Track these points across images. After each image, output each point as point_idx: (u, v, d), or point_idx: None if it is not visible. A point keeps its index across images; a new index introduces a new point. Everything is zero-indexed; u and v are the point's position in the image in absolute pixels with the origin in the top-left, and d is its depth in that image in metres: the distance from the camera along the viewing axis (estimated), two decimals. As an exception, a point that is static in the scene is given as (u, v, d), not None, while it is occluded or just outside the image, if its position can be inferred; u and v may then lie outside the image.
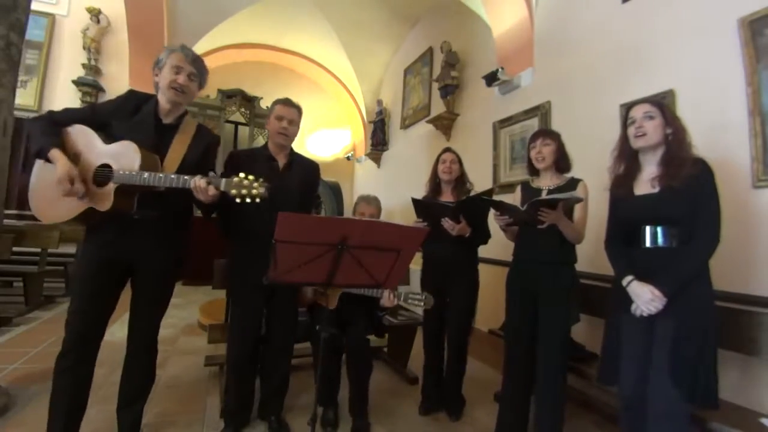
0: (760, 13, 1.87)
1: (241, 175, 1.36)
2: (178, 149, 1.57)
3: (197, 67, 1.61)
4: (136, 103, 1.59)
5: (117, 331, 1.67)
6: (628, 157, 1.54)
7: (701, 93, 2.09)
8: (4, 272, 3.80)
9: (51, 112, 1.52)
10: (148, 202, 1.49)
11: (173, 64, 1.56)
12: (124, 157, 1.42)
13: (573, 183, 1.82)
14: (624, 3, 2.61)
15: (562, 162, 1.86)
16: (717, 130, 1.46)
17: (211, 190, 1.38)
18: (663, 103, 1.48)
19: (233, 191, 1.35)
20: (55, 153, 1.38)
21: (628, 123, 1.51)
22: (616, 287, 1.48)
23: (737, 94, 1.93)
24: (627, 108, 1.55)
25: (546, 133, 1.90)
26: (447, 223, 2.04)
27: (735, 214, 1.31)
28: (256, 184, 1.35)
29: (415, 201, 2.12)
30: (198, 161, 1.60)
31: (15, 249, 3.63)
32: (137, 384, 1.66)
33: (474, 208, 2.06)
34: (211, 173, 1.42)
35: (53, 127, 1.46)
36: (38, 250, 3.92)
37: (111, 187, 1.40)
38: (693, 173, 1.35)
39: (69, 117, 1.51)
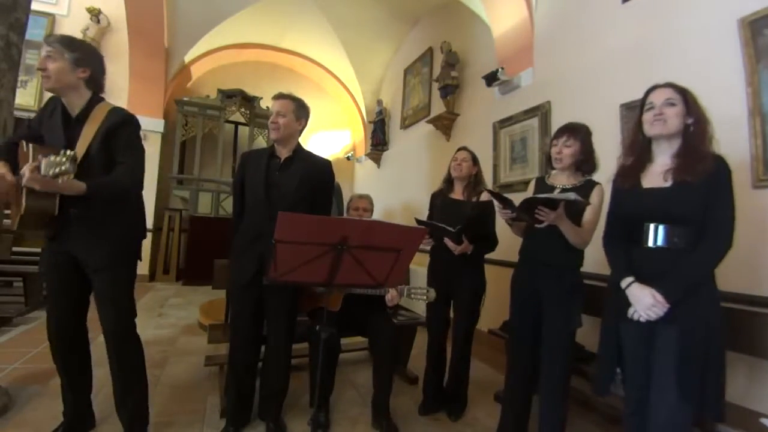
0: (760, 13, 1.86)
1: (61, 153, 1.27)
2: (85, 139, 1.50)
3: (54, 45, 1.50)
4: (54, 105, 1.60)
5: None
6: (639, 147, 1.40)
7: (701, 93, 2.06)
8: (4, 272, 3.80)
9: (11, 136, 1.63)
10: (72, 198, 1.46)
11: None
12: (26, 160, 1.42)
13: (589, 185, 1.73)
14: (624, 3, 2.61)
15: (584, 164, 1.75)
16: (717, 130, 1.46)
17: (27, 177, 1.26)
18: (686, 90, 1.33)
19: (50, 172, 1.25)
20: None
21: (645, 108, 1.37)
22: (614, 289, 1.39)
23: (737, 94, 1.93)
24: (646, 92, 1.38)
25: (571, 131, 1.76)
26: (449, 244, 2.08)
27: (735, 215, 1.29)
28: (63, 159, 1.24)
29: (418, 222, 2.12)
30: (100, 151, 1.51)
31: (15, 249, 3.63)
32: (119, 386, 1.64)
33: (478, 225, 2.06)
34: (42, 159, 1.27)
35: (7, 146, 1.58)
36: (38, 250, 3.91)
37: (24, 190, 1.40)
38: (709, 170, 1.23)
39: (18, 135, 1.60)
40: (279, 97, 1.89)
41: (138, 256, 1.71)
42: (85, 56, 1.54)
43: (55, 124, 1.54)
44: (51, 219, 1.49)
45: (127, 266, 1.66)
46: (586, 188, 1.71)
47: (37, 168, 1.27)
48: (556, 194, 1.68)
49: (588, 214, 1.69)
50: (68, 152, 1.25)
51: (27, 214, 1.41)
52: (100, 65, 1.60)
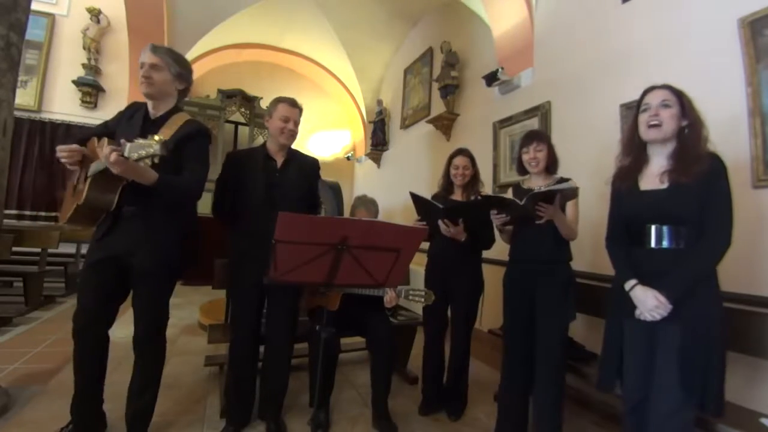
0: (760, 13, 1.86)
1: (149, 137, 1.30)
2: None
3: (164, 58, 1.62)
4: (135, 108, 1.71)
5: (118, 331, 1.67)
6: (636, 148, 1.42)
7: (701, 93, 2.07)
8: (4, 272, 3.81)
9: (83, 134, 1.70)
10: (132, 196, 1.53)
11: (140, 60, 1.63)
12: (101, 151, 1.47)
13: (562, 182, 1.79)
14: (624, 3, 2.60)
15: (552, 165, 1.90)
16: (717, 130, 1.47)
17: (113, 157, 1.28)
18: (682, 92, 1.35)
19: (134, 155, 1.27)
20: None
21: (641, 109, 1.38)
22: (616, 289, 1.41)
23: (737, 94, 1.93)
24: (642, 93, 1.40)
25: (539, 137, 1.90)
26: (442, 224, 2.06)
27: (735, 215, 1.29)
28: (152, 142, 1.27)
29: (413, 195, 2.10)
30: (174, 152, 1.55)
31: (15, 249, 3.63)
32: (135, 384, 1.68)
33: (468, 213, 2.06)
34: (126, 142, 1.30)
35: (77, 142, 1.65)
36: (38, 250, 3.92)
37: (88, 181, 1.47)
38: (705, 169, 1.24)
39: (88, 133, 1.67)
40: (295, 105, 1.98)
41: (184, 268, 1.74)
42: (186, 72, 1.69)
43: (135, 125, 1.63)
44: (103, 216, 1.55)
45: (171, 275, 1.70)
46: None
47: (112, 150, 1.30)
48: (555, 186, 1.71)
49: (570, 208, 1.80)
50: (156, 137, 1.28)
51: (84, 205, 1.46)
52: (191, 82, 1.75)
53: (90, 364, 1.62)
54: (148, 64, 1.60)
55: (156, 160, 1.30)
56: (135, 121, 1.65)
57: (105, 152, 1.31)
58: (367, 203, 2.29)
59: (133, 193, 1.53)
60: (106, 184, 1.48)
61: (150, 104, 1.67)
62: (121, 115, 1.73)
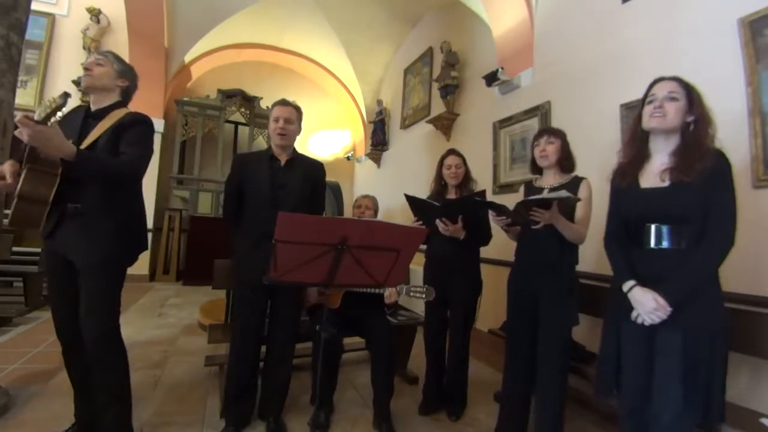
0: (760, 13, 1.86)
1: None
2: (96, 132, 1.54)
3: (107, 55, 1.68)
4: (80, 110, 1.70)
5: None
6: (638, 143, 1.36)
7: (701, 93, 2.09)
8: (4, 272, 3.79)
9: None
10: (74, 193, 1.49)
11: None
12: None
13: (576, 181, 1.77)
14: (624, 3, 2.61)
15: (566, 162, 1.83)
16: (717, 130, 1.47)
17: (19, 118, 1.27)
18: (692, 86, 1.29)
19: (42, 115, 1.31)
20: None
21: (646, 100, 1.33)
22: (615, 290, 1.36)
23: (737, 94, 1.93)
24: (650, 83, 1.34)
25: (551, 131, 1.87)
26: (440, 224, 2.06)
27: (736, 211, 1.26)
28: (55, 97, 1.33)
29: (408, 197, 2.11)
30: (107, 143, 1.53)
31: (15, 249, 3.63)
32: (99, 398, 1.57)
33: (466, 209, 2.07)
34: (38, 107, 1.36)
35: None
36: (38, 250, 3.91)
37: (23, 173, 1.43)
38: (708, 166, 1.19)
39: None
40: (286, 104, 1.96)
41: (127, 263, 1.65)
42: (128, 72, 1.73)
43: (76, 120, 1.62)
44: (45, 213, 1.47)
45: (110, 269, 1.57)
46: (573, 184, 1.76)
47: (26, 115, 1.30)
48: (547, 194, 1.70)
49: (580, 209, 1.73)
50: (61, 94, 1.32)
51: (21, 199, 1.40)
52: (136, 84, 1.77)
53: (73, 365, 1.61)
54: (91, 60, 1.63)
55: (61, 112, 1.33)
56: (77, 116, 1.63)
57: (20, 121, 1.28)
58: (366, 196, 2.48)
59: (76, 190, 1.48)
60: (39, 176, 1.42)
61: (91, 99, 1.66)
62: (68, 113, 1.68)
